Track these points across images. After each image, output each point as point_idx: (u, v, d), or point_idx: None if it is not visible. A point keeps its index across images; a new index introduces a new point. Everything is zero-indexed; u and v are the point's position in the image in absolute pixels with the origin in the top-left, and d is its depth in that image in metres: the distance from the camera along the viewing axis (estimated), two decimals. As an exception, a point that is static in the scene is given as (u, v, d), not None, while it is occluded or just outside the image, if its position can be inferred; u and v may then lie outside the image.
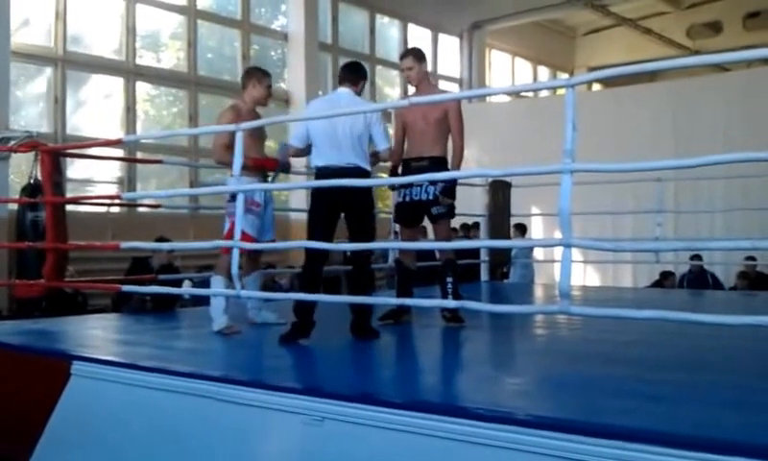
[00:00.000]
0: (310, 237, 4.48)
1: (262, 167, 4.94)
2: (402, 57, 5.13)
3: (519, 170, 4.57)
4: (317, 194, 4.51)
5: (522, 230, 10.39)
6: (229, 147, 4.58)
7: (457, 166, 4.97)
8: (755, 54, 3.03)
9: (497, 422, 2.58)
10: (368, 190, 4.53)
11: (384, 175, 5.89)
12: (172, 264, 6.94)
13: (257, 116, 4.96)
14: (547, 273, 11.33)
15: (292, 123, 6.68)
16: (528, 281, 10.33)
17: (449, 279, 4.96)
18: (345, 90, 4.67)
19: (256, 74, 5.13)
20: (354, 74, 4.72)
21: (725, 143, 10.37)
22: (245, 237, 4.64)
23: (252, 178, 4.77)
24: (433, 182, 4.86)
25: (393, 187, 6.33)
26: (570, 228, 3.06)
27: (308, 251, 4.44)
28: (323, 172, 4.48)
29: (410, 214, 5.13)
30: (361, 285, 4.54)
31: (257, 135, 4.98)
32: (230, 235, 4.60)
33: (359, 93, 4.71)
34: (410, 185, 4.96)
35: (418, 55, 5.07)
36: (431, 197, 4.93)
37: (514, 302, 6.94)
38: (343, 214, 4.53)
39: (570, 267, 3.09)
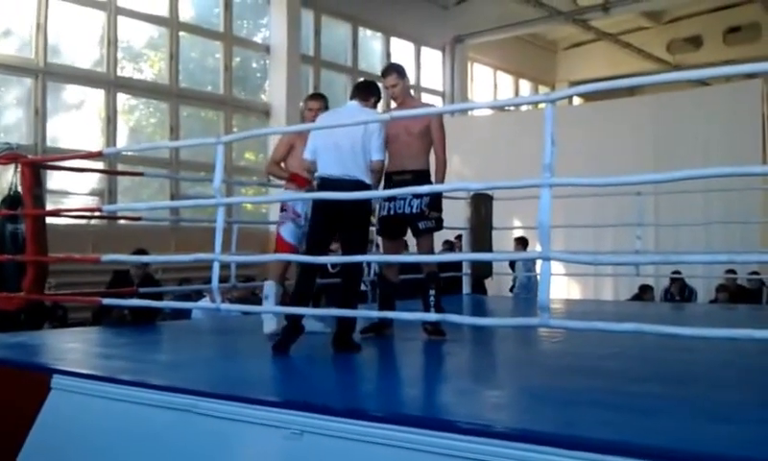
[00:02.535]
0: (307, 247, 4.56)
1: (295, 182, 5.11)
2: (385, 74, 5.14)
3: (500, 184, 4.59)
4: (315, 205, 4.61)
5: (524, 243, 10.40)
6: (280, 163, 5.23)
7: (441, 179, 4.97)
8: (734, 69, 3.06)
9: (477, 435, 2.58)
10: (362, 203, 4.48)
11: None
12: (152, 277, 6.89)
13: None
14: (561, 286, 11.39)
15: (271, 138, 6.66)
16: (531, 295, 10.30)
17: (432, 292, 4.97)
18: (353, 103, 4.71)
19: (308, 99, 5.47)
20: (365, 90, 4.76)
21: (704, 157, 10.47)
22: (284, 245, 5.01)
23: (297, 191, 5.03)
24: (417, 196, 4.87)
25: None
26: (550, 241, 3.09)
27: (302, 263, 4.49)
28: (323, 183, 4.52)
29: (393, 228, 5.13)
30: (347, 298, 4.53)
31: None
32: (277, 243, 5.10)
33: (369, 107, 4.73)
34: (393, 199, 4.96)
35: (400, 71, 5.09)
36: (415, 210, 4.93)
37: (495, 315, 6.96)
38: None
39: (550, 280, 3.12)
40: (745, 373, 3.84)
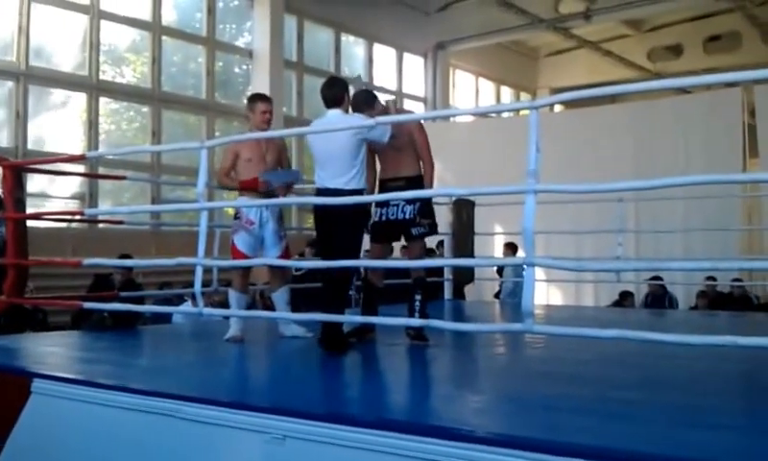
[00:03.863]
0: (319, 254, 4.75)
1: (248, 188, 5.09)
2: (356, 109, 4.95)
3: (485, 190, 4.67)
4: (315, 214, 4.78)
5: (514, 249, 10.43)
6: (228, 173, 5.15)
7: (430, 183, 5.01)
8: (716, 78, 3.10)
9: (460, 440, 2.58)
10: (349, 211, 4.45)
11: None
12: (134, 281, 6.85)
13: (261, 142, 5.15)
14: (542, 292, 11.40)
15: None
16: (518, 301, 10.30)
17: (417, 298, 4.96)
18: (334, 112, 4.70)
19: (251, 101, 5.32)
20: (337, 90, 4.72)
21: (685, 165, 10.55)
22: (237, 253, 5.02)
23: (252, 198, 5.03)
24: (410, 202, 4.90)
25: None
26: (534, 247, 3.13)
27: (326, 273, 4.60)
28: (318, 194, 4.64)
29: (385, 233, 5.14)
30: (334, 300, 4.55)
31: (257, 160, 5.11)
32: (231, 252, 5.09)
33: (347, 111, 4.75)
34: (386, 205, 4.98)
35: (369, 102, 4.97)
36: (408, 216, 4.96)
37: (479, 320, 6.96)
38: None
39: (533, 286, 3.15)
40: (725, 379, 3.88)
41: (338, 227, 4.52)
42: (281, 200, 5.09)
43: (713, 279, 9.60)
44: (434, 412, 3.27)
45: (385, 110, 4.90)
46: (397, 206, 4.95)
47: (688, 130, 11.09)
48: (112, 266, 6.45)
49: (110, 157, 11.00)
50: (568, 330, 3.25)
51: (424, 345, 4.87)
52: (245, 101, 13.25)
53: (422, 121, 5.30)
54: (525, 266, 3.15)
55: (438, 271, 8.89)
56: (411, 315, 4.90)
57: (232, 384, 3.89)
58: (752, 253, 10.52)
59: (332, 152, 4.56)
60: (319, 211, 4.64)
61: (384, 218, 5.06)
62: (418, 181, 4.97)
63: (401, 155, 4.99)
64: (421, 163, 5.06)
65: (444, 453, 2.59)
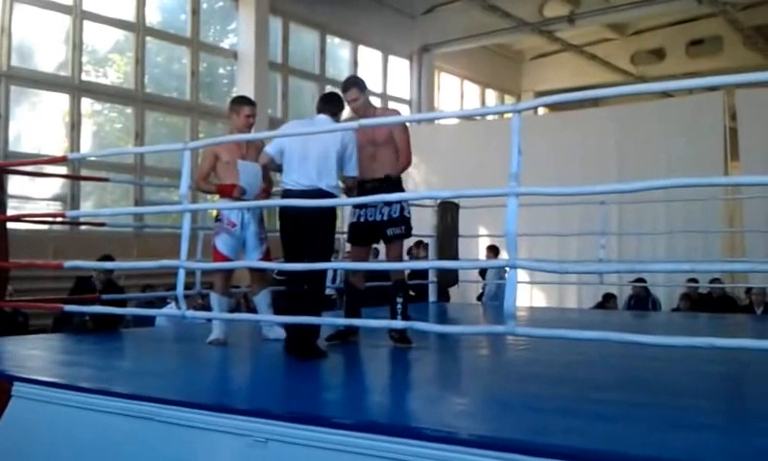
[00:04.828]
0: (285, 258, 4.59)
1: (223, 193, 5.04)
2: (346, 89, 5.07)
3: (468, 192, 4.65)
4: (280, 216, 4.68)
5: (496, 251, 10.44)
6: (207, 177, 5.09)
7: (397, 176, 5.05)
8: (697, 82, 3.12)
9: (443, 442, 2.58)
10: (325, 213, 4.49)
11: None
12: (115, 283, 6.79)
13: (241, 145, 5.10)
14: (525, 295, 11.50)
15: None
16: (499, 303, 10.32)
17: (399, 300, 4.96)
18: (323, 117, 4.75)
19: (235, 104, 5.27)
20: (333, 104, 4.81)
21: (668, 168, 10.60)
22: (219, 256, 4.98)
23: (231, 202, 4.94)
24: (387, 203, 4.90)
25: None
26: (516, 249, 3.13)
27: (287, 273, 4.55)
28: (287, 193, 4.56)
29: (364, 235, 5.13)
30: (308, 304, 4.49)
31: (235, 162, 5.04)
32: (213, 255, 5.05)
33: (338, 121, 4.80)
34: (364, 206, 4.98)
35: (360, 85, 5.07)
36: (386, 218, 4.96)
37: (463, 323, 6.97)
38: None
39: (516, 288, 3.17)
40: (706, 380, 3.89)
41: (316, 229, 4.49)
42: (263, 202, 5.05)
43: (696, 280, 9.65)
44: (416, 414, 3.27)
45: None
46: (375, 207, 4.95)
47: (671, 133, 11.15)
48: (93, 268, 6.37)
49: (94, 158, 10.97)
50: (550, 332, 3.26)
51: (408, 347, 4.87)
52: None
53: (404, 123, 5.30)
54: (508, 268, 3.13)
55: (422, 273, 8.91)
56: (393, 317, 4.89)
57: (214, 387, 3.86)
58: (733, 254, 10.59)
59: (320, 152, 4.53)
60: (295, 213, 4.45)
61: (363, 219, 5.05)
62: (395, 183, 4.97)
63: (380, 154, 4.99)
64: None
65: (427, 455, 2.58)
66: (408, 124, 5.40)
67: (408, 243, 9.92)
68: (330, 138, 4.54)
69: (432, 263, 8.49)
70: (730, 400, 3.60)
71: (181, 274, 4.14)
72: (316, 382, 3.97)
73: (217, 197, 5.22)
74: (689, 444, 2.53)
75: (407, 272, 9.43)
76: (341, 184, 4.85)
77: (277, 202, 4.39)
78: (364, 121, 4.34)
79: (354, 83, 5.11)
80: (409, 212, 5.07)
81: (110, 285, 6.48)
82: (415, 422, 2.97)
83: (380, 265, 5.60)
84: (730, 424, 2.95)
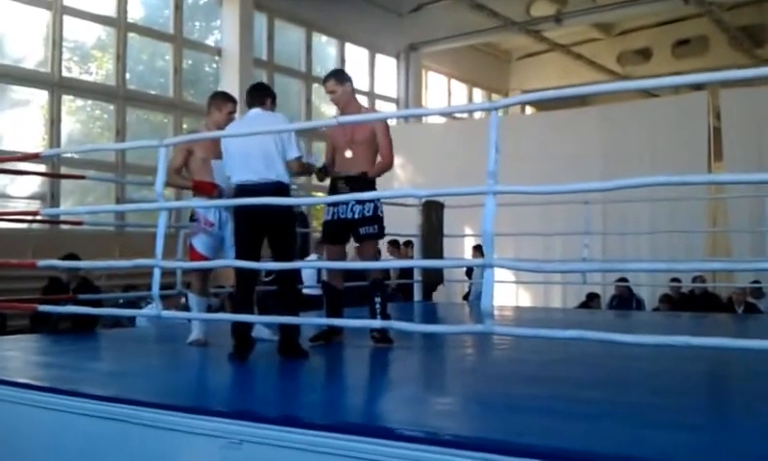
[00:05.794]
0: (237, 256, 4.48)
1: (201, 190, 4.96)
2: (325, 80, 5.07)
3: (443, 191, 4.69)
4: (236, 213, 4.58)
5: (482, 251, 10.40)
6: (179, 171, 4.99)
7: (377, 176, 5.03)
8: (683, 79, 3.10)
9: (421, 442, 2.57)
10: (286, 206, 4.47)
11: (322, 194, 5.88)
12: (91, 283, 6.69)
13: (216, 141, 4.92)
14: (511, 294, 11.52)
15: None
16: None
17: (377, 300, 4.93)
18: (255, 111, 4.66)
19: (217, 99, 5.16)
20: (258, 94, 4.72)
21: (652, 167, 10.60)
22: (196, 255, 4.94)
23: (207, 200, 4.88)
24: (360, 202, 4.85)
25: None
26: (493, 248, 3.14)
27: (237, 271, 4.47)
28: (240, 189, 4.50)
29: (337, 233, 5.07)
30: (287, 304, 4.47)
31: (212, 157, 4.96)
32: (189, 254, 5.02)
33: (271, 109, 4.72)
34: (337, 204, 4.92)
35: (339, 77, 5.04)
36: (357, 216, 4.90)
37: (446, 322, 6.95)
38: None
39: (493, 287, 3.14)
40: (685, 379, 3.89)
41: (277, 225, 4.45)
42: (246, 200, 4.97)
43: (678, 280, 9.67)
44: (393, 415, 3.24)
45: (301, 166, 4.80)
46: (347, 205, 4.89)
47: (656, 132, 11.16)
48: (67, 268, 6.27)
49: (76, 156, 10.83)
50: (527, 331, 3.26)
51: (389, 347, 4.85)
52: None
53: (388, 123, 5.25)
54: (485, 268, 3.12)
55: (408, 273, 8.89)
56: (373, 317, 4.86)
57: (189, 389, 3.81)
58: (716, 254, 10.64)
59: (260, 147, 4.44)
60: (253, 209, 4.33)
61: (336, 217, 5.01)
62: (370, 182, 4.94)
63: (358, 152, 4.93)
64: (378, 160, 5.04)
65: (403, 456, 2.57)
66: (392, 122, 5.35)
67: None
68: (266, 134, 4.45)
69: (410, 262, 8.49)
70: (707, 398, 3.60)
71: (157, 273, 4.07)
72: (294, 383, 3.94)
73: (190, 193, 5.16)
74: (665, 443, 2.52)
75: (397, 272, 9.52)
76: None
77: (254, 200, 4.32)
78: (342, 118, 4.30)
79: (333, 74, 5.08)
80: (382, 212, 5.02)
81: (85, 285, 6.39)
82: (391, 422, 2.95)
83: (361, 265, 5.52)
84: (707, 422, 2.95)
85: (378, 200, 4.96)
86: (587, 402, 3.19)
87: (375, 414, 3.28)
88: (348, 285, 5.30)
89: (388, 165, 5.04)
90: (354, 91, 5.13)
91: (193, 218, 5.07)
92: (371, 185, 4.92)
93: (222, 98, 5.18)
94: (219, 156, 4.93)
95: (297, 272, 4.66)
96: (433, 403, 3.40)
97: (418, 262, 8.31)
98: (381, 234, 5.06)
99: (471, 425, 2.92)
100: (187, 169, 5.07)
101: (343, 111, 5.02)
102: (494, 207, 3.11)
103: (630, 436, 2.59)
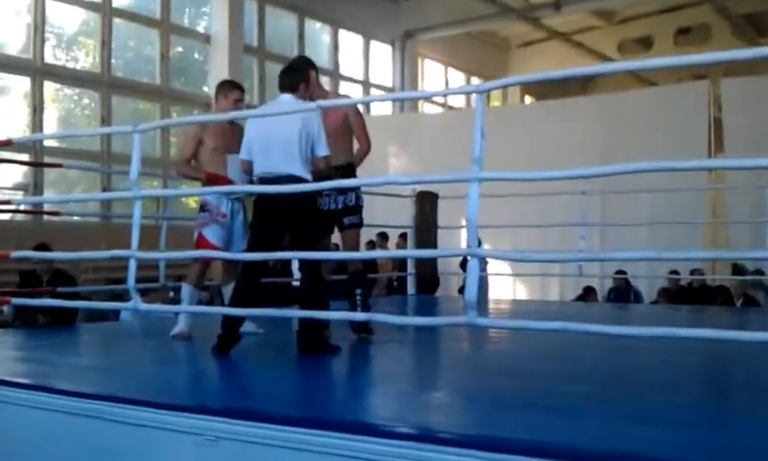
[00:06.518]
0: (249, 248, 4.39)
1: (214, 183, 4.84)
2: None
3: (427, 178, 4.55)
4: (255, 204, 4.44)
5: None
6: (190, 161, 4.96)
7: (358, 163, 4.97)
8: (680, 60, 2.94)
9: (401, 438, 2.51)
10: (303, 198, 4.20)
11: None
12: (67, 274, 6.49)
13: (227, 130, 4.92)
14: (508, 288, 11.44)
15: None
16: (480, 295, 10.16)
17: (358, 291, 4.84)
18: (287, 97, 4.41)
19: (224, 87, 5.11)
20: (290, 78, 4.44)
21: (651, 156, 10.42)
22: (207, 246, 4.86)
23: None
24: (342, 192, 4.77)
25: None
26: (476, 237, 3.08)
27: (245, 263, 4.34)
28: (259, 181, 4.32)
29: (322, 225, 4.89)
30: (308, 298, 4.26)
31: (222, 150, 4.87)
32: (198, 245, 4.89)
33: (304, 97, 4.44)
34: (319, 195, 4.75)
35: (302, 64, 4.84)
36: (341, 206, 4.82)
37: (433, 315, 6.78)
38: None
39: (477, 277, 3.09)
40: (676, 373, 3.82)
41: (295, 219, 4.24)
42: (253, 187, 4.76)
43: (677, 272, 9.58)
44: (373, 410, 3.20)
45: None
46: (330, 196, 4.79)
47: (656, 122, 11.10)
48: (38, 260, 6.09)
49: (63, 145, 10.64)
50: (511, 323, 3.19)
51: (369, 338, 4.77)
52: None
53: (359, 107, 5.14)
54: (468, 257, 3.09)
55: (403, 266, 8.76)
56: (353, 309, 4.76)
57: (165, 384, 3.70)
58: (716, 246, 10.52)
59: (283, 137, 4.22)
60: (270, 203, 4.20)
61: (320, 208, 4.84)
62: (348, 170, 4.80)
63: (336, 143, 4.73)
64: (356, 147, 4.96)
65: (382, 452, 2.51)
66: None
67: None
68: (291, 120, 4.22)
69: (391, 253, 8.39)
70: (696, 393, 3.51)
71: (133, 264, 3.96)
72: (272, 378, 3.87)
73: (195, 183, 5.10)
74: (652, 438, 2.45)
75: (396, 265, 9.40)
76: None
77: (252, 188, 4.18)
78: (322, 102, 4.10)
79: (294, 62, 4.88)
80: (362, 201, 4.95)
81: (59, 276, 6.20)
82: (370, 417, 2.92)
83: (347, 255, 5.32)
84: (695, 418, 2.85)
85: (359, 189, 4.88)
86: (575, 396, 3.13)
87: (357, 409, 3.18)
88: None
89: (367, 150, 4.97)
90: (317, 78, 4.92)
91: (203, 209, 4.94)
92: (353, 175, 4.84)
93: (228, 86, 5.12)
94: (230, 148, 4.82)
95: (317, 264, 4.46)
96: (414, 398, 3.34)
97: (398, 252, 8.20)
98: (362, 223, 4.97)
99: (453, 421, 2.88)
100: (196, 159, 4.98)
101: (310, 99, 4.86)
102: (478, 195, 3.02)
103: (613, 432, 2.55)
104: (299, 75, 4.49)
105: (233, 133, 4.91)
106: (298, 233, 4.29)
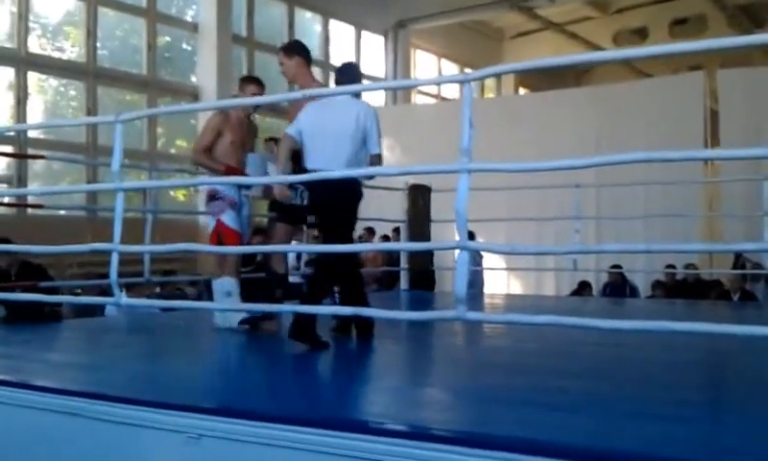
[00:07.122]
0: (328, 242, 4.37)
1: (233, 175, 4.91)
2: (277, 52, 5.00)
3: (415, 169, 4.47)
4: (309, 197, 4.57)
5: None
6: (208, 151, 5.02)
7: None
8: (677, 47, 2.83)
9: (388, 435, 2.50)
10: (339, 193, 4.21)
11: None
12: (34, 265, 6.35)
13: (246, 124, 5.15)
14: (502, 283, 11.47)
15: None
16: (476, 290, 10.05)
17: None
18: (346, 98, 4.44)
19: (242, 82, 5.30)
20: (347, 79, 4.52)
21: (647, 149, 10.33)
22: (229, 231, 4.93)
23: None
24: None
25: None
26: (466, 230, 3.04)
27: (321, 258, 4.42)
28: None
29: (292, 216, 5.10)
30: (352, 290, 4.33)
31: (239, 144, 5.07)
32: (219, 230, 4.93)
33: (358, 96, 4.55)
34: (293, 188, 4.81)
35: (288, 49, 4.91)
36: (306, 202, 4.75)
37: (426, 309, 6.69)
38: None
39: (466, 271, 3.07)
40: (669, 369, 3.80)
41: (328, 211, 4.32)
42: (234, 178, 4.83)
43: (673, 266, 9.57)
44: (358, 406, 3.19)
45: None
46: (296, 190, 4.82)
47: (651, 114, 11.03)
48: (5, 252, 5.98)
49: (50, 137, 10.45)
50: (500, 317, 3.18)
51: (348, 337, 4.65)
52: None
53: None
54: (458, 250, 3.04)
55: (395, 260, 8.67)
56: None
57: (148, 381, 3.64)
58: (713, 239, 10.46)
59: (335, 132, 4.28)
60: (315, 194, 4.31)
61: (305, 202, 4.86)
62: None
63: None
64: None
65: (367, 449, 2.50)
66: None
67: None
68: (345, 116, 4.28)
69: (380, 245, 8.35)
70: (689, 388, 3.46)
71: (115, 258, 3.93)
72: (254, 374, 3.88)
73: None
74: (644, 435, 2.42)
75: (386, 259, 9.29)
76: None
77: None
78: (308, 91, 3.99)
79: (283, 46, 4.98)
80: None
81: (29, 270, 6.07)
82: (355, 414, 2.93)
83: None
84: (687, 414, 2.82)
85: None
86: (567, 392, 3.13)
87: (343, 406, 3.13)
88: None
89: None
90: (307, 65, 4.95)
91: (215, 197, 4.99)
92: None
93: (245, 81, 5.29)
94: (245, 143, 5.03)
95: (353, 257, 4.54)
96: (403, 395, 3.31)
97: (385, 245, 8.13)
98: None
99: (443, 417, 2.86)
100: (211, 151, 5.06)
101: (299, 89, 4.77)
102: (468, 186, 2.98)
103: (604, 428, 2.53)
104: (353, 79, 4.56)
105: (248, 129, 5.16)
106: (326, 225, 4.40)
